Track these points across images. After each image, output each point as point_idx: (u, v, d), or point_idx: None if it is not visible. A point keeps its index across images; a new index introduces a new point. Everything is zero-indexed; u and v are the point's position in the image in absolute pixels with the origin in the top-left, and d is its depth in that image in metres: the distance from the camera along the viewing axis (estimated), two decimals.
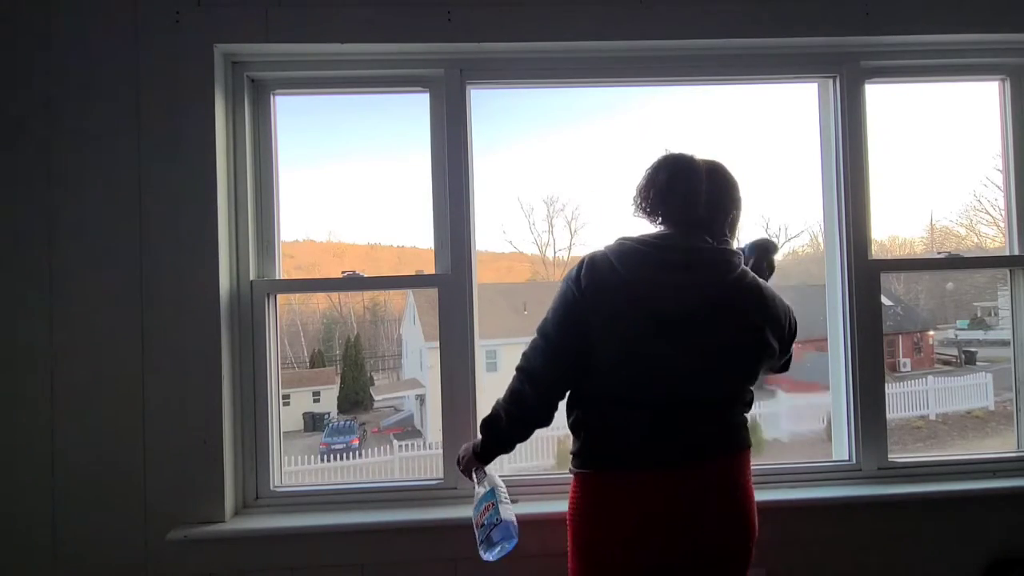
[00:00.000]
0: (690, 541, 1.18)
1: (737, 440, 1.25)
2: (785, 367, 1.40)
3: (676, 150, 1.29)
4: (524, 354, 1.28)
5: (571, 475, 1.28)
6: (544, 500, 1.67)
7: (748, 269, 1.28)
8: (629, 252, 1.23)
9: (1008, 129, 1.88)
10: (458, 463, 1.44)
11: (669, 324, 1.18)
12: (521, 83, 1.83)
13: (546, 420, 1.28)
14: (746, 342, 1.23)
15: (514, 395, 1.27)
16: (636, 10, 1.70)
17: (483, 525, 1.29)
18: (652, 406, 1.19)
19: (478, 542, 1.30)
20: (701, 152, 1.30)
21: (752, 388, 1.30)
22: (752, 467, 1.28)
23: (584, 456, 1.24)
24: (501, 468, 1.47)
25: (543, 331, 1.26)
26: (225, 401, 1.64)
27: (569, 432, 1.30)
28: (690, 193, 1.24)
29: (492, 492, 1.34)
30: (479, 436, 1.36)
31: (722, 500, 1.20)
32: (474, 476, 1.39)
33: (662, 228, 1.28)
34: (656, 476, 1.18)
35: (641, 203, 1.29)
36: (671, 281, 1.19)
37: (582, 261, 1.26)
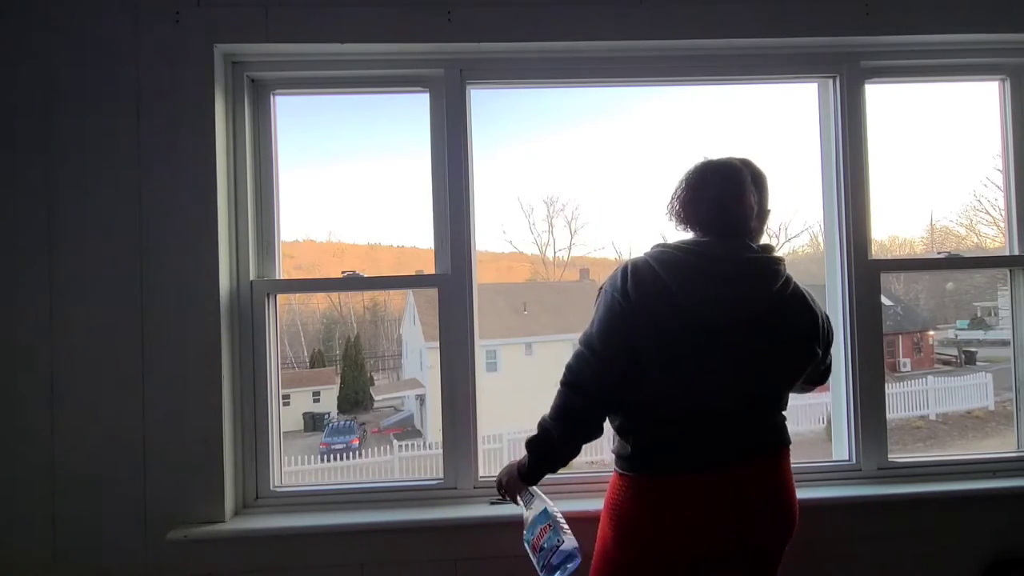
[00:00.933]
0: (736, 540, 1.20)
1: (780, 439, 1.28)
2: (826, 375, 1.42)
3: (717, 157, 1.29)
4: (569, 367, 1.25)
5: (614, 473, 1.28)
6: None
7: (791, 277, 1.27)
8: (673, 261, 1.21)
9: (1008, 129, 1.88)
10: (499, 486, 1.39)
11: (718, 335, 1.18)
12: (521, 83, 1.83)
13: (598, 432, 1.25)
14: (794, 351, 1.25)
15: (564, 411, 1.24)
16: (636, 10, 1.70)
17: (542, 548, 1.26)
18: (701, 413, 1.20)
19: (537, 566, 1.27)
20: (730, 152, 1.30)
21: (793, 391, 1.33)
22: None
23: (635, 460, 1.23)
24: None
25: (588, 344, 1.22)
26: (225, 401, 1.64)
27: (614, 433, 1.29)
28: (742, 208, 1.24)
29: (546, 512, 1.30)
30: (524, 456, 1.31)
31: (767, 500, 1.23)
32: (519, 499, 1.35)
33: (699, 235, 1.27)
34: (704, 479, 1.19)
35: (681, 212, 1.28)
36: (719, 292, 1.19)
37: (624, 269, 1.23)
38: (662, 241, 1.28)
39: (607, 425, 1.27)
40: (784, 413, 1.32)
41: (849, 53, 1.80)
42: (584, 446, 1.28)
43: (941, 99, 2.02)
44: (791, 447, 1.31)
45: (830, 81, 1.84)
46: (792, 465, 1.76)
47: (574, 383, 1.23)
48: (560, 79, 1.80)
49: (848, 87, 1.81)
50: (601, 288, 1.28)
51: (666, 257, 1.22)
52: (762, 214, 1.30)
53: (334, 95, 1.87)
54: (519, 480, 1.33)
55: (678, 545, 1.19)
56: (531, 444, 1.28)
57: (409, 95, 1.84)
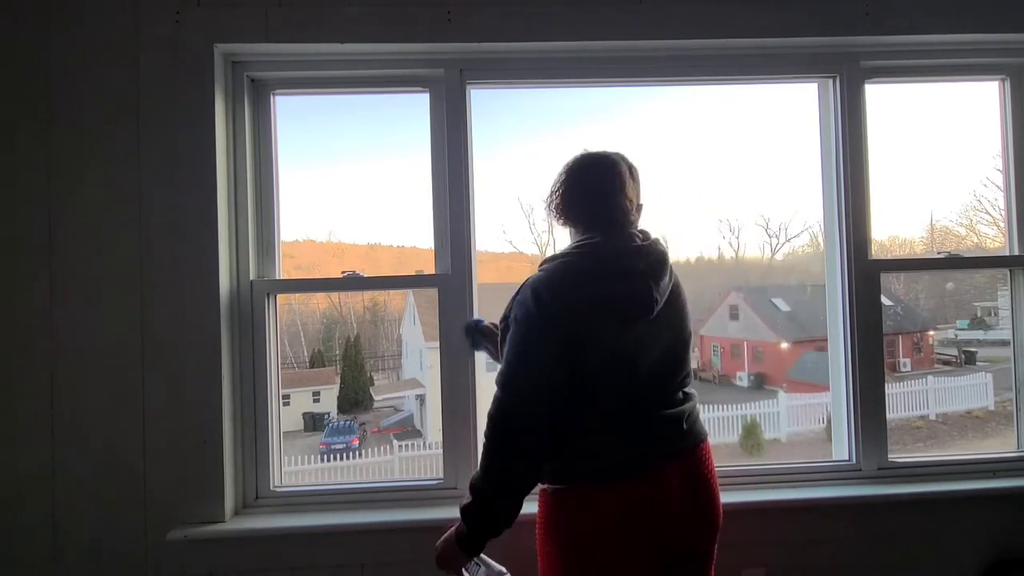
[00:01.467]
0: (676, 540, 1.19)
1: (698, 433, 1.27)
2: None
3: (590, 150, 1.31)
4: (491, 419, 1.16)
5: (541, 492, 1.25)
6: None
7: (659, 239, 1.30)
8: (571, 267, 1.20)
9: (1008, 129, 1.88)
10: (438, 562, 1.23)
11: (632, 327, 1.19)
12: (521, 83, 1.83)
13: (537, 481, 1.20)
14: (686, 326, 1.28)
15: (499, 473, 1.15)
16: (636, 10, 1.70)
17: None
18: (625, 412, 1.20)
19: None
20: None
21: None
22: (753, 467, 1.29)
23: (573, 471, 1.19)
24: None
25: (513, 387, 1.15)
26: (225, 401, 1.64)
27: None
28: (621, 196, 1.26)
29: None
30: (460, 524, 1.20)
31: (698, 497, 1.22)
32: (465, 572, 1.22)
33: (583, 233, 1.27)
34: (632, 483, 1.17)
35: (562, 207, 1.29)
36: (624, 288, 1.19)
37: (528, 289, 1.19)
38: (547, 257, 1.28)
39: None
40: (697, 407, 1.31)
41: (849, 53, 1.80)
42: None
43: (941, 99, 2.02)
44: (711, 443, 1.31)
45: (830, 81, 1.84)
46: (792, 465, 1.78)
47: (499, 436, 1.15)
48: (560, 79, 1.80)
49: (848, 87, 1.81)
50: (505, 322, 1.23)
51: (563, 265, 1.21)
52: (638, 207, 1.34)
53: (334, 95, 1.87)
54: (461, 553, 1.19)
55: (623, 552, 1.16)
56: (468, 515, 1.17)
57: (409, 95, 1.84)
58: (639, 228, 1.32)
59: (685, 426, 1.24)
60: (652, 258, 1.24)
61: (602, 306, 1.17)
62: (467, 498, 1.19)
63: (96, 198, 1.63)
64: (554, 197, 1.31)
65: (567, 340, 1.14)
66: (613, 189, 1.27)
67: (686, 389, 1.29)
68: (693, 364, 1.40)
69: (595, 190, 1.27)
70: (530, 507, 1.23)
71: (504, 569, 1.24)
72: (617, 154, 1.32)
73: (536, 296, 1.16)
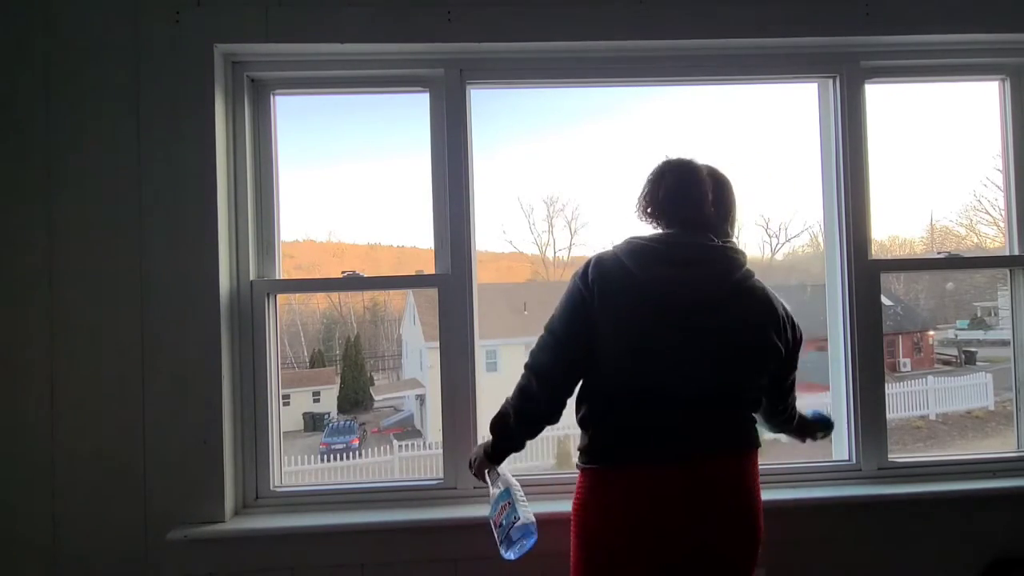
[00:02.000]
0: (693, 538, 1.18)
1: (746, 439, 1.27)
2: (789, 392, 1.40)
3: (676, 156, 1.32)
4: (531, 351, 1.29)
5: (577, 471, 1.28)
6: (546, 500, 1.67)
7: (752, 271, 1.30)
8: (638, 249, 1.25)
9: (1008, 129, 1.88)
10: (470, 466, 1.43)
11: (675, 316, 1.20)
12: (521, 83, 1.83)
13: (555, 417, 1.28)
14: (749, 338, 1.24)
15: (522, 392, 1.28)
16: (636, 10, 1.70)
17: (501, 525, 1.30)
18: (660, 401, 1.20)
19: (498, 541, 1.30)
20: (699, 156, 1.33)
21: (759, 391, 1.30)
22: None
23: (592, 452, 1.25)
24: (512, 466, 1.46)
25: (550, 328, 1.27)
26: (225, 401, 1.64)
27: (577, 429, 1.30)
28: (696, 196, 1.27)
29: (507, 491, 1.34)
30: (488, 436, 1.36)
31: (729, 500, 1.21)
32: (487, 477, 1.39)
33: (666, 228, 1.30)
34: (663, 471, 1.19)
35: (647, 208, 1.31)
36: (678, 276, 1.22)
37: (590, 260, 1.28)
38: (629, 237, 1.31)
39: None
40: (755, 415, 1.32)
41: (849, 53, 1.80)
42: None
43: (941, 99, 2.02)
44: (760, 450, 1.29)
45: (830, 81, 1.84)
46: (792, 465, 1.77)
47: (533, 365, 1.27)
48: (560, 79, 1.80)
49: (848, 87, 1.81)
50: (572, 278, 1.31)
51: (633, 246, 1.26)
52: (728, 216, 1.34)
53: (334, 95, 1.87)
54: (485, 460, 1.37)
55: (635, 542, 1.18)
56: (493, 424, 1.33)
57: (409, 95, 1.84)
58: (727, 237, 1.32)
59: (711, 424, 1.22)
60: (717, 257, 1.25)
61: (645, 292, 1.20)
62: (498, 411, 1.32)
63: (96, 198, 1.63)
64: (641, 202, 1.33)
65: (589, 319, 1.22)
66: (689, 188, 1.28)
67: (737, 409, 1.26)
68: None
69: (671, 189, 1.28)
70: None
71: (517, 484, 1.37)
72: (704, 164, 1.33)
73: (585, 268, 1.26)
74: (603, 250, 1.30)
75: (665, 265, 1.22)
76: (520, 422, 1.29)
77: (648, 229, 1.33)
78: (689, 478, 1.18)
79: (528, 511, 1.31)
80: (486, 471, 1.39)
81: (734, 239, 1.36)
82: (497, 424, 1.32)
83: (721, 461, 1.22)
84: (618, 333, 1.21)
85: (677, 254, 1.24)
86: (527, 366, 1.29)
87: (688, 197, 1.27)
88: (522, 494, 1.35)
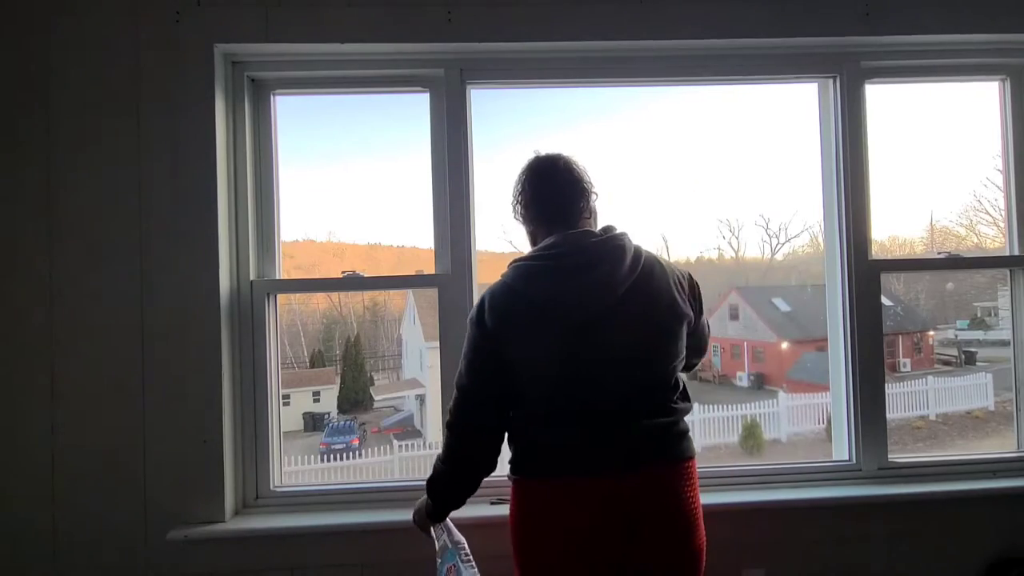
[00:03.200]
0: (624, 552, 1.16)
1: (677, 449, 1.22)
2: (704, 341, 1.40)
3: (542, 152, 1.33)
4: (449, 409, 1.28)
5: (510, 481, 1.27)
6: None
7: (639, 247, 1.26)
8: (527, 271, 1.22)
9: (1008, 129, 1.88)
10: (414, 521, 1.42)
11: (583, 328, 1.17)
12: (521, 83, 1.83)
13: (491, 467, 1.28)
14: (663, 318, 1.22)
15: (451, 453, 1.28)
16: (636, 10, 1.70)
17: None
18: (585, 413, 1.18)
19: None
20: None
21: (683, 353, 1.27)
22: (753, 467, 1.28)
23: (519, 462, 1.24)
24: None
25: (460, 385, 1.26)
26: (225, 401, 1.64)
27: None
28: (567, 192, 1.28)
29: (453, 553, 1.34)
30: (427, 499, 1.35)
31: (661, 512, 1.17)
32: (432, 533, 1.38)
33: (546, 236, 1.27)
34: (588, 483, 1.17)
35: (521, 210, 1.32)
36: (576, 287, 1.18)
37: (481, 299, 1.25)
38: (519, 256, 1.29)
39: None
40: (686, 422, 1.26)
41: (849, 53, 1.80)
42: None
43: (941, 99, 2.02)
44: (696, 460, 1.26)
45: (830, 81, 1.84)
46: (792, 465, 1.77)
47: (452, 424, 1.27)
48: (560, 79, 1.80)
49: (848, 87, 1.81)
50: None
51: (520, 270, 1.23)
52: (585, 198, 1.31)
53: (334, 95, 1.87)
54: (427, 519, 1.36)
55: (564, 555, 1.16)
56: (428, 487, 1.33)
57: (409, 95, 1.84)
58: (601, 224, 1.30)
59: (636, 435, 1.19)
60: (605, 254, 1.21)
61: (547, 312, 1.18)
62: (431, 472, 1.32)
63: (96, 198, 1.63)
64: (516, 205, 1.33)
65: (498, 356, 1.21)
66: (565, 185, 1.29)
67: (667, 403, 1.23)
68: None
69: (547, 190, 1.29)
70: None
71: (462, 539, 1.37)
72: (567, 155, 1.33)
73: (480, 309, 1.24)
74: (492, 284, 1.27)
75: (560, 278, 1.18)
76: (456, 481, 1.29)
77: (523, 231, 1.35)
78: (614, 490, 1.16)
79: (475, 572, 1.33)
80: (431, 527, 1.38)
81: (595, 223, 1.32)
82: (432, 486, 1.32)
83: (649, 474, 1.18)
84: (529, 361, 1.19)
85: (566, 264, 1.19)
86: (448, 426, 1.27)
87: (568, 200, 1.28)
88: (467, 551, 1.36)
